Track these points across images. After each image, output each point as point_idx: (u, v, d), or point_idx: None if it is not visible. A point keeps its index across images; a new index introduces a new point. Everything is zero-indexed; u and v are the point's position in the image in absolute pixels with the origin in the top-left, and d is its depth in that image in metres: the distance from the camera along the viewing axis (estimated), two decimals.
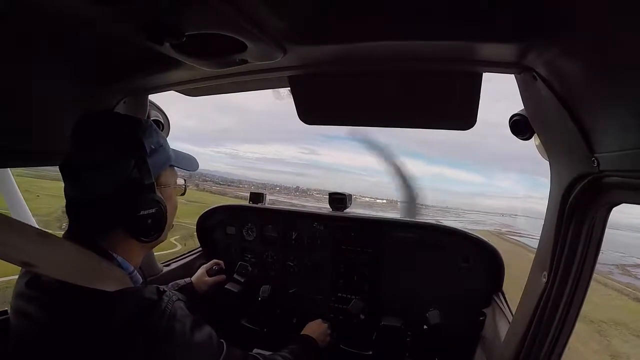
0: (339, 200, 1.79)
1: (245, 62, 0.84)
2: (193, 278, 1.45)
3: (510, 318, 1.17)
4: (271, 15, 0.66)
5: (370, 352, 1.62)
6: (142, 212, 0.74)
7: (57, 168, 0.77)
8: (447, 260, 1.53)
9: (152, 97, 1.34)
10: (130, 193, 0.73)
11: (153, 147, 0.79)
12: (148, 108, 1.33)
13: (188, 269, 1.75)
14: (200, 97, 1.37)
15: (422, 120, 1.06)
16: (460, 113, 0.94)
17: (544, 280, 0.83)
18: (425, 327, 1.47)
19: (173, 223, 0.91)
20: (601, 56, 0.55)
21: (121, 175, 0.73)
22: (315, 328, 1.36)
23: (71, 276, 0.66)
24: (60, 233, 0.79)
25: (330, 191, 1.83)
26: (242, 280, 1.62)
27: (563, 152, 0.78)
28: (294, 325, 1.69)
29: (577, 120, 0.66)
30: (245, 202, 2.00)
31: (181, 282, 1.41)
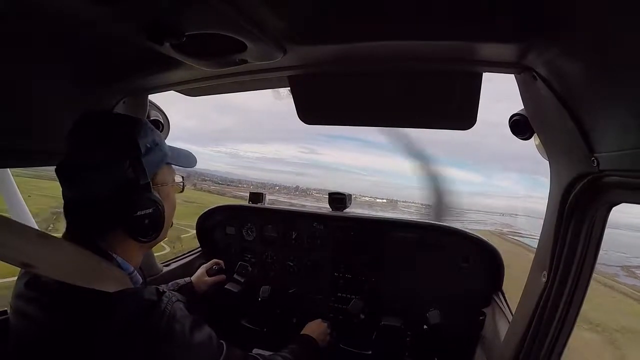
0: (338, 200, 1.79)
1: (245, 62, 0.84)
2: (193, 278, 1.45)
3: (510, 318, 1.17)
4: (271, 15, 0.66)
5: (370, 352, 1.62)
6: (139, 213, 0.74)
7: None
8: (447, 260, 1.53)
9: (152, 97, 1.33)
10: (127, 193, 0.73)
11: (148, 145, 0.79)
12: (148, 108, 1.33)
13: (188, 268, 1.75)
14: (200, 97, 1.36)
15: (422, 120, 1.06)
16: (460, 113, 0.94)
17: (544, 280, 0.83)
18: (425, 327, 1.47)
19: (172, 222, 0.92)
20: (601, 56, 0.55)
21: (117, 176, 0.73)
22: (315, 328, 1.36)
23: (71, 277, 0.66)
24: None
25: (330, 191, 1.82)
26: (242, 280, 1.63)
27: (563, 152, 0.78)
28: (294, 325, 1.69)
29: (576, 120, 0.66)
30: (245, 202, 2.00)
31: (181, 281, 1.41)
